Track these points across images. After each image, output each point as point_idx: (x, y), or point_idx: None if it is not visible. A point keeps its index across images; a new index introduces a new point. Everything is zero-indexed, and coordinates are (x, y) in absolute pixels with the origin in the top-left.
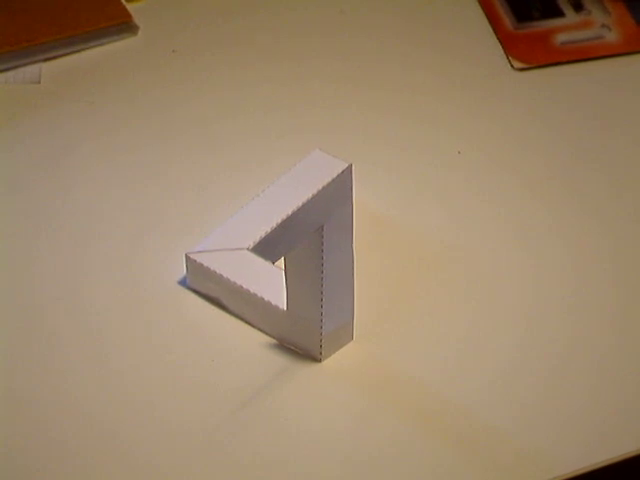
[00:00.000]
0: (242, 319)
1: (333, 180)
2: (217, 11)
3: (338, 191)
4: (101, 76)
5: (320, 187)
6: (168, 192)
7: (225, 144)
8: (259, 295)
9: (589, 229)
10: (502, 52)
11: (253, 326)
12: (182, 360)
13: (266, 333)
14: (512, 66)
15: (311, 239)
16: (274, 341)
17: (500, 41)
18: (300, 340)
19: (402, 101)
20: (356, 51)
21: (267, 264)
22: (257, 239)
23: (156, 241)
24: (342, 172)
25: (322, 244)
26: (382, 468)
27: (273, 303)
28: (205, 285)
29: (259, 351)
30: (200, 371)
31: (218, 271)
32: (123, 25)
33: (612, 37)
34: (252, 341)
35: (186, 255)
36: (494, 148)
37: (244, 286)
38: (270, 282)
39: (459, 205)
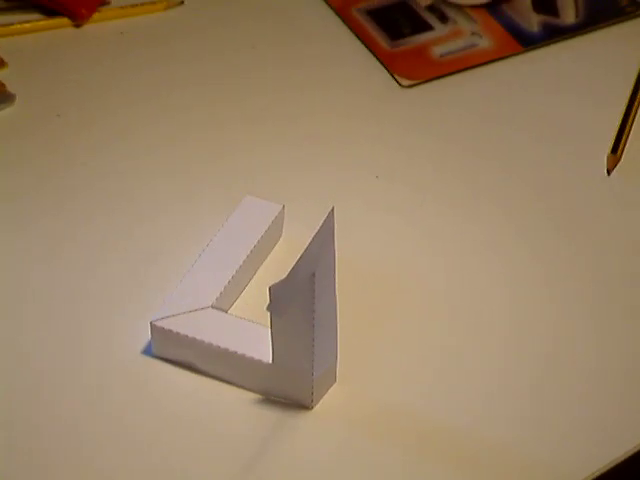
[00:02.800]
0: (220, 379)
1: (271, 222)
2: (94, 70)
3: (275, 234)
4: None
5: (263, 231)
6: (94, 263)
7: (145, 207)
8: (238, 352)
9: (517, 238)
10: (386, 73)
11: (233, 384)
12: (169, 431)
13: (249, 389)
14: (400, 84)
15: (300, 288)
16: (259, 396)
17: (382, 62)
18: (288, 390)
19: (310, 133)
20: (246, 90)
21: (235, 319)
22: (217, 294)
23: (104, 317)
24: (277, 214)
25: (314, 291)
26: None
27: (255, 357)
28: (174, 351)
29: (247, 408)
30: (191, 439)
31: (189, 334)
32: None
33: (485, 43)
34: (237, 399)
35: (151, 324)
36: (410, 166)
37: (220, 345)
38: (244, 336)
39: (396, 230)
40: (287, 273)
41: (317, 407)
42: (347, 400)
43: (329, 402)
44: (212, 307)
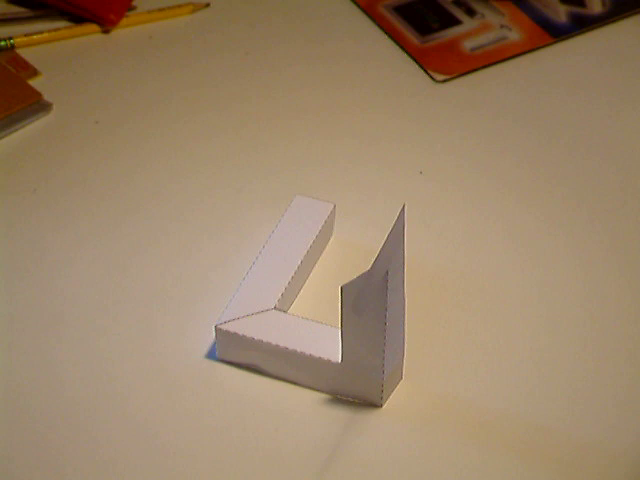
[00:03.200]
0: (286, 380)
1: (325, 221)
2: (127, 75)
3: (327, 233)
4: (33, 159)
5: (317, 231)
6: (152, 269)
7: (192, 211)
8: (306, 352)
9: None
10: (419, 69)
11: (300, 385)
12: (245, 436)
13: (317, 389)
14: (434, 79)
15: (374, 286)
16: (328, 396)
17: (414, 58)
18: (358, 389)
19: (350, 130)
20: (271, 89)
21: (299, 319)
22: (279, 296)
23: (164, 323)
24: (330, 214)
25: (387, 289)
26: None
27: (324, 357)
28: (239, 354)
29: (316, 409)
30: (267, 443)
31: (254, 336)
32: (35, 105)
33: (515, 36)
34: (305, 400)
35: (216, 327)
36: (453, 162)
37: (287, 346)
38: (310, 336)
39: (447, 227)
40: (357, 272)
41: (386, 405)
42: (415, 396)
43: (397, 399)
44: (275, 309)
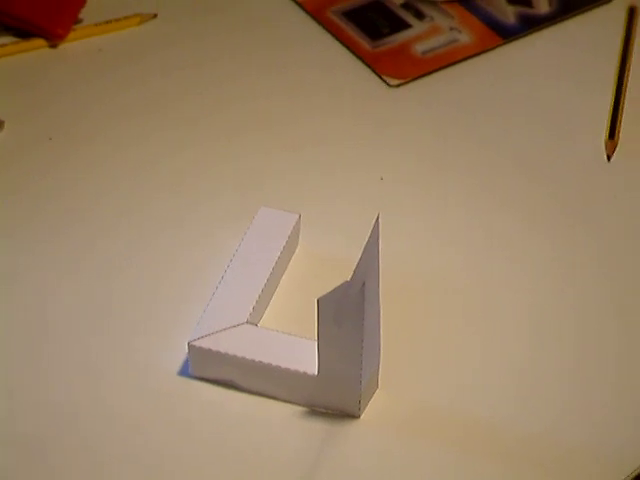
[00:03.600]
0: (262, 395)
1: (290, 232)
2: (78, 89)
3: (293, 243)
4: None
5: (284, 243)
6: (110, 286)
7: (156, 228)
8: (282, 366)
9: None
10: (373, 74)
11: (277, 399)
12: (223, 451)
13: (293, 402)
14: (388, 84)
15: (350, 298)
16: (305, 408)
17: (366, 64)
18: (335, 400)
19: (307, 138)
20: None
21: (272, 332)
22: (250, 309)
23: (131, 341)
24: (295, 224)
25: (364, 300)
26: None
27: (300, 370)
28: (213, 370)
29: (294, 422)
30: (245, 457)
31: (228, 351)
32: None
33: (465, 38)
34: (283, 413)
35: (189, 344)
36: (413, 166)
37: (263, 360)
38: (285, 350)
39: (413, 231)
40: (325, 282)
41: (363, 415)
42: (392, 405)
43: (374, 408)
44: (247, 323)
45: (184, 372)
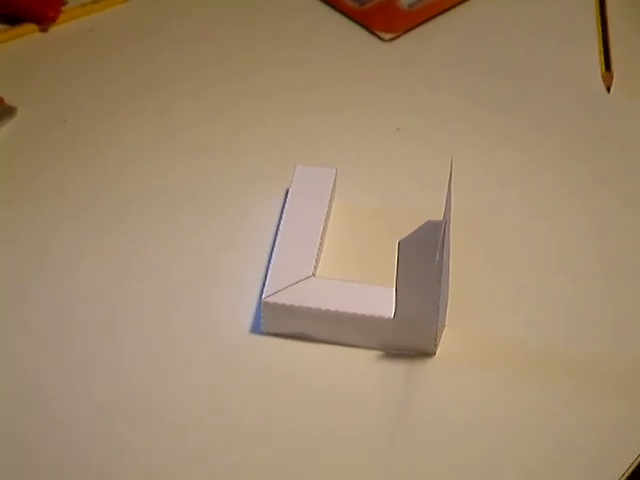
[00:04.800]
0: (337, 343)
1: (332, 186)
2: (80, 70)
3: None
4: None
5: (329, 196)
6: (161, 260)
7: (193, 197)
8: (357, 312)
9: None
10: (365, 31)
11: (351, 345)
12: (300, 403)
13: (369, 347)
14: (382, 39)
15: (429, 235)
16: (380, 352)
17: (357, 22)
18: (410, 341)
19: (319, 103)
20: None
21: (340, 282)
22: (313, 262)
23: (198, 305)
24: (334, 177)
25: (443, 240)
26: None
27: (376, 315)
28: (287, 324)
29: (372, 366)
30: (322, 407)
31: (303, 304)
32: None
33: None
34: (359, 359)
35: (263, 301)
36: (426, 119)
37: (338, 309)
38: (355, 297)
39: (433, 179)
40: (366, 232)
41: (439, 353)
42: (461, 340)
43: (446, 345)
44: (313, 276)
45: (256, 330)
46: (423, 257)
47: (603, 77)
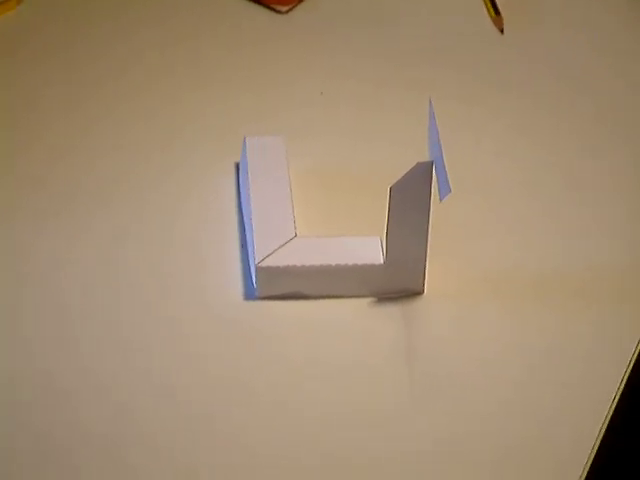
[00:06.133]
0: (329, 297)
1: (285, 152)
2: None
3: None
4: None
5: (285, 161)
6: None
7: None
8: (349, 263)
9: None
10: (262, 7)
11: (344, 296)
12: (312, 354)
13: (360, 296)
14: (280, 12)
15: (419, 176)
16: (372, 298)
17: (254, 1)
18: (401, 282)
19: (240, 82)
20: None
21: (324, 238)
22: (292, 224)
23: (190, 279)
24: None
25: (431, 179)
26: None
27: (368, 263)
28: (280, 286)
29: (367, 311)
30: (332, 354)
31: (297, 264)
32: None
33: None
34: (354, 307)
35: (257, 267)
36: (343, 80)
37: (331, 263)
38: (343, 250)
39: (365, 134)
40: (326, 188)
41: (427, 289)
42: (445, 274)
43: (432, 281)
44: (296, 236)
45: (250, 296)
46: (414, 199)
47: (494, 21)
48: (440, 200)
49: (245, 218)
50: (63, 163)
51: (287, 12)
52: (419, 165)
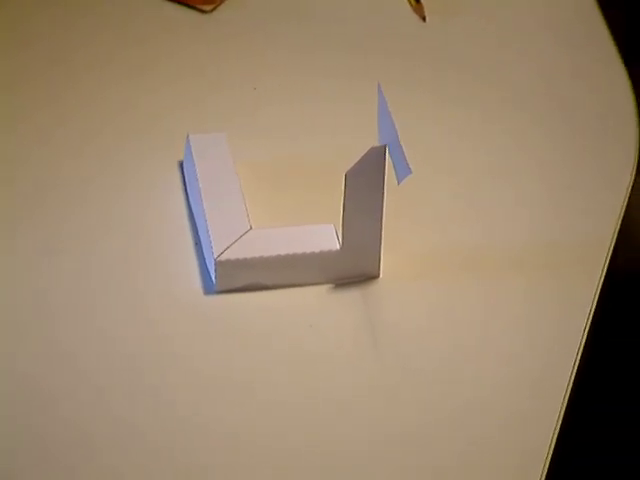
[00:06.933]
0: (288, 286)
1: (228, 148)
2: None
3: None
4: None
5: (230, 156)
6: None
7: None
8: (306, 251)
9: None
10: (187, 8)
11: (302, 285)
12: (274, 343)
13: (319, 283)
14: (204, 11)
15: (373, 161)
16: (330, 285)
17: (179, 2)
18: (357, 267)
19: (167, 77)
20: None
21: (279, 229)
22: (246, 217)
23: (148, 277)
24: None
25: (385, 163)
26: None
27: (325, 250)
28: (240, 278)
29: (325, 297)
30: (294, 342)
31: (255, 255)
32: None
33: None
34: (312, 295)
35: (217, 261)
36: (276, 75)
37: (288, 252)
38: (299, 239)
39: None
40: (272, 178)
41: (382, 274)
42: (398, 257)
43: (386, 266)
44: (251, 228)
45: (209, 290)
46: (369, 183)
47: (415, 10)
48: (398, 183)
49: (196, 215)
50: None
51: (211, 11)
52: (373, 149)
